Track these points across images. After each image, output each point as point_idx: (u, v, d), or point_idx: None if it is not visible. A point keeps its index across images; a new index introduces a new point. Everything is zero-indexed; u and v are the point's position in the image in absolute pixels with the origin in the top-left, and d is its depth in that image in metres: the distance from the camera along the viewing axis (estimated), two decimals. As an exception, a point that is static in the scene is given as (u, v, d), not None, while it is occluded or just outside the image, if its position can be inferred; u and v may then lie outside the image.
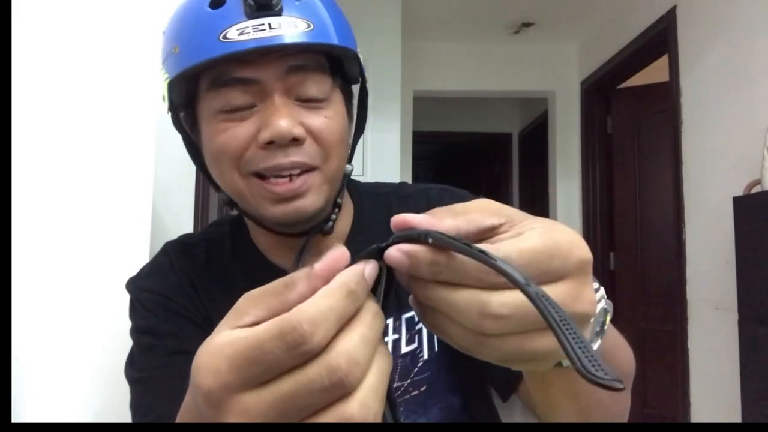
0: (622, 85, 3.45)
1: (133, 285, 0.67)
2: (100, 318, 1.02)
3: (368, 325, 0.28)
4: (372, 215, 0.71)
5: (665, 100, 2.75)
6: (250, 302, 0.28)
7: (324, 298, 0.27)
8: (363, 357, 0.26)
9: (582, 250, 0.30)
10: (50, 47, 1.01)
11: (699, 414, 2.48)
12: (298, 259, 0.63)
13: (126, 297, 0.67)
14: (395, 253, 0.30)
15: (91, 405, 1.00)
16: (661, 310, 3.03)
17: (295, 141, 0.56)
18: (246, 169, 0.57)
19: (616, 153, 3.48)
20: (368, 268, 0.29)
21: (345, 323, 0.27)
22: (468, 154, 5.56)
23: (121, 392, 1.04)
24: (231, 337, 0.27)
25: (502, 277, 0.27)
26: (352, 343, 0.26)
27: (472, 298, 0.28)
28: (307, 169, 0.57)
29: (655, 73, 3.10)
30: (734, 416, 1.98)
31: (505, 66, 3.86)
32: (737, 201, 1.94)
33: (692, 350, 2.52)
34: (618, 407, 0.53)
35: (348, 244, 0.68)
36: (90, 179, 1.05)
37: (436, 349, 0.65)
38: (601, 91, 3.57)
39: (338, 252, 0.29)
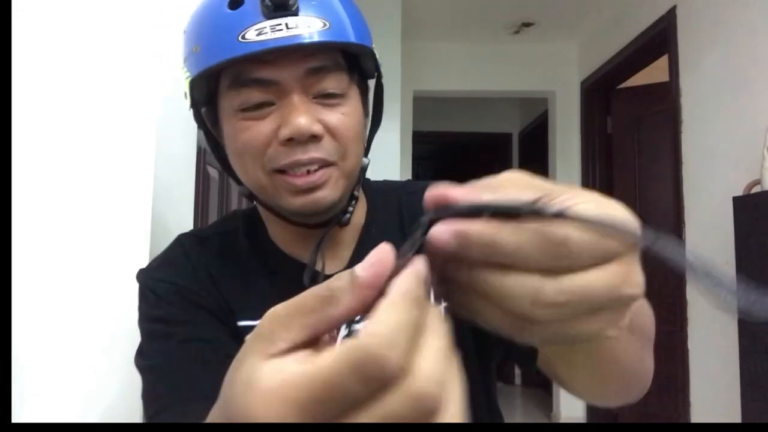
0: (622, 85, 3.45)
1: (144, 275, 0.67)
2: (101, 318, 1.02)
3: (440, 335, 0.24)
4: (384, 209, 0.73)
5: (665, 100, 2.75)
6: (278, 323, 0.24)
7: (394, 313, 0.23)
8: (446, 375, 0.23)
9: (637, 229, 0.28)
10: (50, 47, 1.01)
11: (699, 414, 2.48)
12: (317, 251, 0.65)
13: (128, 296, 0.67)
14: (443, 234, 0.26)
15: (93, 405, 1.00)
16: (661, 310, 3.03)
17: (314, 138, 0.58)
18: (269, 166, 0.59)
19: (616, 153, 3.48)
20: (421, 268, 0.25)
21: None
22: (468, 154, 5.56)
23: (123, 392, 1.04)
24: (285, 375, 0.22)
25: (561, 260, 0.25)
26: (432, 361, 0.23)
27: (527, 283, 0.25)
28: (325, 164, 0.60)
29: (655, 73, 3.10)
30: (734, 416, 1.98)
31: (505, 66, 3.86)
32: (737, 201, 1.94)
33: (692, 350, 2.52)
34: (640, 367, 0.53)
35: (363, 235, 0.70)
36: (90, 179, 1.05)
37: None
38: (601, 91, 3.57)
39: (383, 253, 0.24)
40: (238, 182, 0.66)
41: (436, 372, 0.23)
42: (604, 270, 0.26)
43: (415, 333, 0.23)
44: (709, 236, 2.36)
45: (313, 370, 0.22)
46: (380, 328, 0.22)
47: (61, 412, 0.96)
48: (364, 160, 0.68)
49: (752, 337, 1.81)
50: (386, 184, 0.78)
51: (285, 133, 0.57)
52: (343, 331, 0.26)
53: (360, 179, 0.68)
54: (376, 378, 0.21)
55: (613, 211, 0.27)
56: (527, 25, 3.56)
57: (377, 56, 0.66)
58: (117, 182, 1.08)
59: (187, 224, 1.47)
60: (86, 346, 1.00)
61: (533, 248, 0.25)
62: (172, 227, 1.32)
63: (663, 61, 2.77)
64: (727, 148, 2.26)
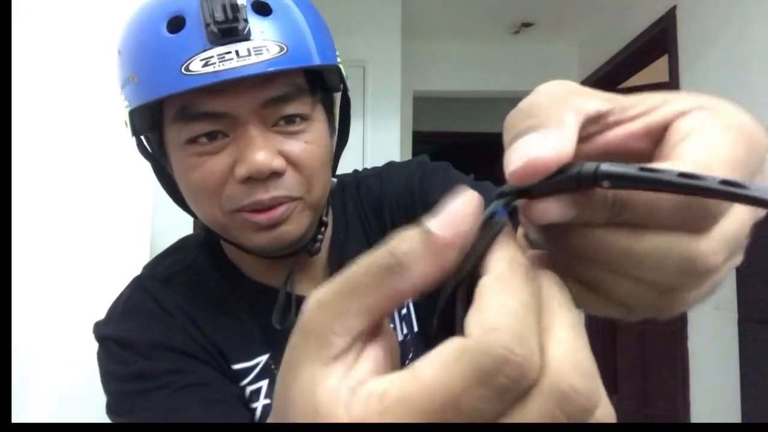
0: (622, 85, 3.45)
1: (106, 329, 0.59)
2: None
3: (567, 305, 0.19)
4: (345, 210, 0.69)
5: (665, 100, 2.75)
6: (329, 313, 0.19)
7: (509, 292, 0.18)
8: (588, 359, 0.17)
9: (764, 136, 0.21)
10: (50, 47, 1.01)
11: (699, 414, 2.48)
12: (286, 283, 0.60)
13: None
14: (554, 205, 0.20)
15: (94, 406, 1.00)
16: (661, 310, 3.03)
17: (275, 174, 0.52)
18: (227, 207, 0.54)
19: (616, 153, 3.47)
20: (509, 231, 0.20)
21: None
22: (468, 154, 5.54)
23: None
24: (373, 402, 0.17)
25: (705, 218, 0.19)
26: (569, 345, 0.17)
27: (674, 246, 0.19)
28: (289, 200, 0.54)
29: (655, 73, 3.10)
30: (734, 416, 1.98)
31: (505, 66, 3.85)
32: (737, 201, 1.94)
33: (692, 350, 2.52)
34: None
35: (333, 246, 0.66)
36: (91, 179, 1.05)
37: (416, 329, 0.64)
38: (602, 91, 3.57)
39: (465, 202, 0.19)
40: (192, 215, 0.60)
41: (580, 360, 0.17)
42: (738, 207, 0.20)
43: (537, 312, 0.18)
44: (709, 236, 2.35)
45: (418, 392, 0.16)
46: (499, 317, 0.16)
47: (63, 413, 0.96)
48: (332, 180, 0.62)
49: (752, 337, 1.81)
50: (338, 181, 0.71)
51: (242, 172, 0.51)
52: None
53: (328, 203, 0.62)
54: (510, 388, 0.16)
55: (742, 120, 0.21)
56: (527, 25, 3.55)
57: (342, 70, 0.59)
58: (118, 182, 1.08)
59: (187, 224, 1.47)
60: (89, 347, 1.00)
61: (675, 204, 0.19)
62: (172, 226, 1.32)
63: (663, 61, 2.77)
64: (727, 148, 2.26)
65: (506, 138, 0.21)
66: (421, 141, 4.17)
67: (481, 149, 5.57)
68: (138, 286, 0.62)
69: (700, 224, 0.19)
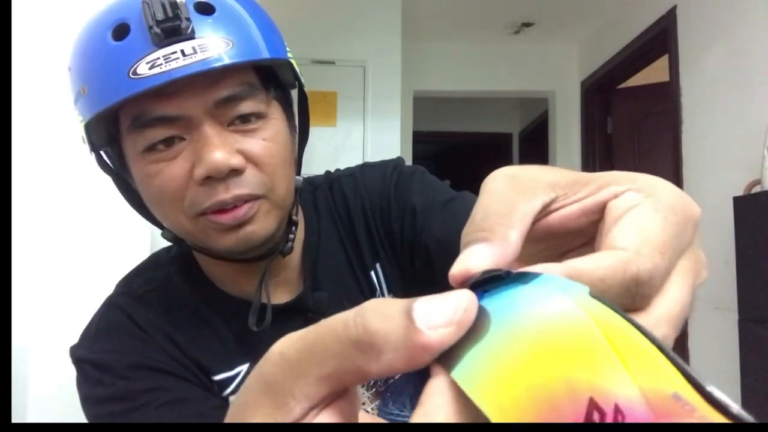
0: (622, 85, 3.45)
1: (83, 351, 0.58)
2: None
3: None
4: (317, 212, 0.68)
5: (665, 100, 2.75)
6: (289, 372, 0.17)
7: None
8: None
9: (694, 209, 0.23)
10: (51, 47, 1.01)
11: (699, 414, 2.48)
12: (260, 288, 0.59)
13: None
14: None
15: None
16: (661, 310, 3.03)
17: (235, 171, 0.51)
18: (191, 212, 0.53)
19: (616, 153, 3.48)
20: None
21: None
22: (468, 154, 5.55)
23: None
24: None
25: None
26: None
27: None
28: (252, 198, 0.53)
29: (655, 73, 3.10)
30: (734, 416, 1.98)
31: (505, 66, 3.86)
32: (737, 201, 1.94)
33: (692, 350, 2.52)
34: None
35: (306, 248, 0.64)
36: (90, 179, 1.05)
37: None
38: (601, 91, 3.57)
39: (464, 311, 0.16)
40: (160, 226, 0.60)
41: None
42: (679, 272, 0.23)
43: None
44: (709, 236, 2.35)
45: None
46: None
47: (62, 412, 0.96)
48: (298, 179, 0.61)
49: (752, 337, 1.81)
50: (308, 182, 0.71)
51: (200, 172, 0.50)
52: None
53: (296, 201, 0.61)
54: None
55: (671, 198, 0.22)
56: (527, 25, 3.56)
57: (295, 65, 0.58)
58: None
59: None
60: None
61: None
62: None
63: (663, 61, 2.77)
64: (727, 148, 2.26)
65: (461, 243, 0.22)
66: (421, 141, 4.17)
67: (481, 149, 5.58)
68: (112, 304, 0.62)
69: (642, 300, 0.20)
